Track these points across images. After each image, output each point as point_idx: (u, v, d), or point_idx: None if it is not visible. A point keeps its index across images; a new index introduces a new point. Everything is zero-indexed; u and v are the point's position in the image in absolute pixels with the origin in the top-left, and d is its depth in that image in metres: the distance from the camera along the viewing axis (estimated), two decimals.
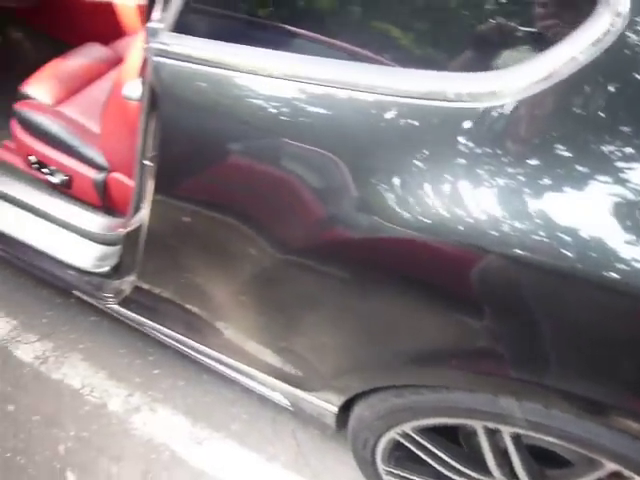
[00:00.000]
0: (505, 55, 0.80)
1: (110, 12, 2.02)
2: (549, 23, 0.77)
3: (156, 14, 1.05)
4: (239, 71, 0.80)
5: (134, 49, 1.25)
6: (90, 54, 1.83)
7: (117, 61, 1.83)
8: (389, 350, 1.03)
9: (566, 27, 0.73)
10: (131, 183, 1.48)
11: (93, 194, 1.58)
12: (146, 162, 1.08)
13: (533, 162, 0.73)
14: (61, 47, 2.20)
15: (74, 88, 1.73)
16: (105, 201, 1.58)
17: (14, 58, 2.30)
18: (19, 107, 1.67)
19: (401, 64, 0.81)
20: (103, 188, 1.55)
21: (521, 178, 0.73)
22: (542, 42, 0.75)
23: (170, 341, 1.50)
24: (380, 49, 0.80)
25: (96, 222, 1.50)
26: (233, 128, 0.87)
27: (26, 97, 1.70)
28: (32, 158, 1.67)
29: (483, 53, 0.81)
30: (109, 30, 2.03)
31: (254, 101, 0.82)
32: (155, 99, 0.98)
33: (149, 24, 0.91)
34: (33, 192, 1.65)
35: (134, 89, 1.20)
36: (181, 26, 0.84)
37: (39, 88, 1.70)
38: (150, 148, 1.09)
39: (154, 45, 0.85)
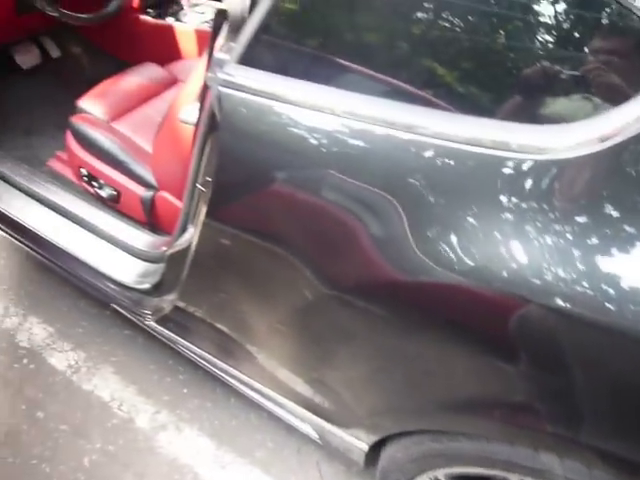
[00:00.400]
0: (559, 104, 0.80)
1: (168, 34, 2.08)
2: (607, 78, 0.76)
3: (222, 44, 1.08)
4: (302, 107, 0.81)
5: (194, 74, 1.27)
6: (146, 74, 1.88)
7: (172, 82, 1.88)
8: (425, 394, 1.02)
9: (624, 82, 0.72)
10: (178, 203, 1.51)
11: (139, 211, 1.61)
12: (199, 186, 1.10)
13: (582, 219, 0.73)
14: (118, 63, 2.27)
15: (129, 106, 1.77)
16: (150, 218, 1.60)
17: (72, 72, 2.38)
18: (75, 120, 1.71)
19: (457, 107, 0.81)
20: (150, 206, 1.57)
21: (569, 233, 0.73)
22: (597, 93, 0.75)
23: (201, 361, 1.50)
24: (444, 93, 0.81)
25: (141, 239, 1.53)
26: (291, 162, 0.88)
27: (82, 111, 1.75)
28: (83, 171, 1.71)
29: (536, 99, 0.81)
30: (166, 51, 2.09)
31: (315, 137, 0.83)
32: (214, 127, 1.00)
33: (216, 54, 0.94)
34: (81, 204, 1.69)
35: (191, 114, 1.23)
36: (247, 58, 0.86)
37: (95, 104, 1.75)
38: (203, 173, 1.10)
39: (219, 75, 0.86)
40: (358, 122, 0.79)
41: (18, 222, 1.70)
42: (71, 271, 1.64)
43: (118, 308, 1.64)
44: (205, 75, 0.94)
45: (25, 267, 2.04)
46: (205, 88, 1.18)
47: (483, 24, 0.79)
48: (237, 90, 0.86)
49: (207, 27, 2.04)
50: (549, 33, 0.75)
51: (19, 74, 2.27)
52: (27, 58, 2.29)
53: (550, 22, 0.75)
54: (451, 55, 0.82)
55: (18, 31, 2.15)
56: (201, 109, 1.19)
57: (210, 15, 2.09)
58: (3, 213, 1.72)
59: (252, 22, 0.86)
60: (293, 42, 0.88)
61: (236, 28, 1.09)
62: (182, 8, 2.11)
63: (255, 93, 0.85)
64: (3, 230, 1.78)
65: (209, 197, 0.99)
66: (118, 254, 1.56)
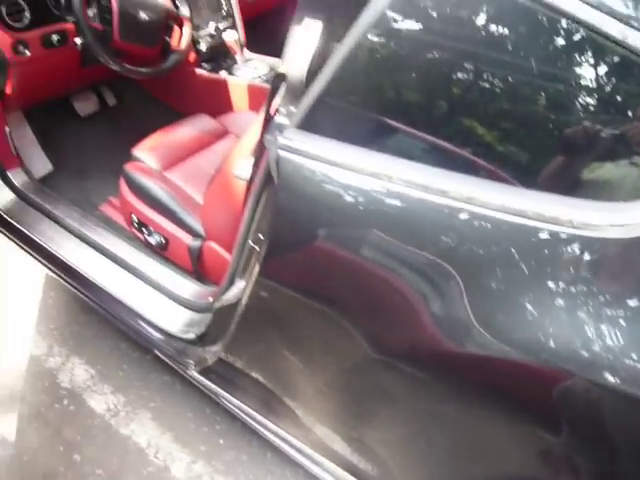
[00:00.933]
0: (605, 169, 0.80)
1: (221, 87, 2.16)
2: None
3: (281, 106, 1.11)
4: (361, 173, 0.83)
5: (249, 132, 1.31)
6: (199, 125, 1.94)
7: (223, 133, 1.94)
8: (465, 464, 0.99)
9: None
10: (225, 254, 1.54)
11: (187, 259, 1.64)
12: (250, 243, 1.11)
13: (633, 303, 0.73)
14: (171, 112, 2.36)
15: (181, 156, 1.82)
16: (197, 267, 1.63)
17: (127, 119, 2.47)
18: (129, 168, 1.77)
19: (513, 176, 0.81)
20: (197, 255, 1.60)
21: (619, 312, 0.73)
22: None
23: (240, 413, 1.49)
24: (501, 160, 0.81)
25: (187, 287, 1.55)
26: (346, 227, 0.89)
27: (136, 159, 1.81)
28: (134, 217, 1.76)
29: (583, 164, 0.81)
30: (218, 103, 2.17)
31: (372, 204, 0.84)
32: (270, 187, 1.03)
33: (276, 119, 0.97)
34: (130, 249, 1.73)
35: (245, 170, 1.26)
36: (307, 124, 0.89)
37: (149, 153, 1.81)
38: (255, 230, 1.12)
39: (279, 139, 0.89)
40: (416, 191, 0.80)
41: (68, 264, 1.75)
42: (116, 314, 1.67)
43: (159, 354, 1.65)
44: (264, 137, 0.96)
45: (72, 308, 2.09)
46: (261, 147, 1.21)
47: (536, 90, 0.80)
48: (295, 154, 0.88)
49: (259, 82, 2.11)
50: (593, 96, 0.76)
51: (77, 121, 2.38)
52: (86, 106, 2.40)
53: (595, 85, 0.75)
54: (514, 125, 0.83)
55: (80, 82, 2.26)
56: (255, 166, 1.22)
57: (262, 71, 2.16)
58: (54, 254, 1.77)
59: (313, 90, 0.88)
60: (352, 110, 0.90)
61: (293, 91, 1.13)
62: (236, 63, 2.19)
63: (313, 158, 0.86)
64: (53, 271, 1.83)
65: (263, 255, 1.00)
66: (163, 301, 1.58)
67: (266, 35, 2.45)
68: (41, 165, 2.20)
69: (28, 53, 1.81)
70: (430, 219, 0.81)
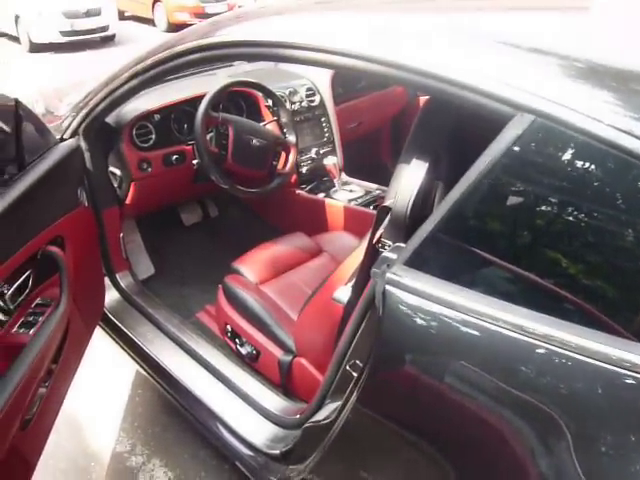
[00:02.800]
0: None
1: (319, 208, 2.29)
2: None
3: (386, 239, 1.18)
4: (470, 316, 0.86)
5: (350, 259, 1.38)
6: (295, 242, 2.05)
7: (317, 252, 2.03)
8: None
9: None
10: (315, 372, 1.57)
11: (276, 373, 1.68)
12: (348, 369, 1.15)
13: None
14: (268, 227, 2.51)
15: (277, 271, 1.92)
16: (286, 382, 1.67)
17: (227, 231, 2.64)
18: (228, 280, 1.88)
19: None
20: (287, 370, 1.64)
21: None
22: None
23: None
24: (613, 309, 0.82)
25: (275, 402, 1.58)
26: (451, 365, 0.91)
27: (236, 272, 1.92)
28: (228, 327, 1.84)
29: None
30: (314, 222, 2.29)
31: (483, 348, 0.86)
32: (371, 314, 1.07)
33: (385, 253, 1.03)
34: (221, 358, 1.79)
35: (344, 294, 1.32)
36: (415, 261, 0.94)
37: (248, 266, 1.92)
38: (351, 355, 1.16)
39: (387, 275, 0.94)
40: (527, 338, 0.81)
41: (161, 365, 1.83)
42: (200, 419, 1.71)
43: (239, 465, 1.66)
44: (371, 270, 1.02)
45: (156, 407, 2.16)
46: (364, 276, 1.27)
47: None
48: (403, 290, 0.92)
49: (354, 205, 2.22)
50: None
51: (181, 229, 2.56)
52: (191, 216, 2.60)
53: None
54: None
55: (190, 195, 2.47)
56: (355, 293, 1.28)
57: (358, 194, 2.29)
58: (149, 355, 1.86)
59: (423, 229, 0.94)
60: (462, 250, 0.95)
61: (397, 225, 1.20)
62: (333, 185, 2.34)
63: (421, 295, 0.90)
64: (146, 370, 1.92)
65: (363, 383, 1.03)
66: (249, 413, 1.61)
67: (362, 159, 2.62)
68: (145, 268, 2.36)
69: (150, 170, 2.02)
70: (546, 368, 0.81)
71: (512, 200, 0.90)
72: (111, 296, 2.06)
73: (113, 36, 9.69)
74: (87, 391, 2.16)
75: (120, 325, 1.98)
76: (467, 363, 0.89)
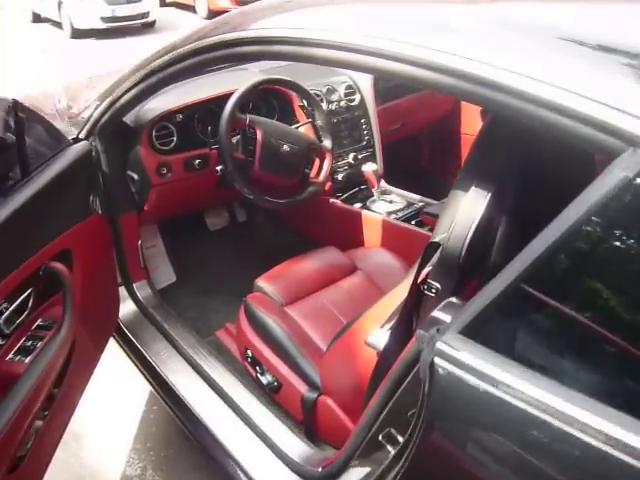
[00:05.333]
0: None
1: (354, 220, 2.09)
2: None
3: (434, 281, 0.99)
4: (550, 414, 0.65)
5: (388, 297, 1.19)
6: (326, 258, 1.86)
7: (350, 270, 1.84)
8: None
9: None
10: (341, 414, 1.39)
11: (298, 409, 1.50)
12: (381, 438, 0.96)
13: None
14: (298, 236, 2.32)
15: (305, 291, 1.74)
16: (308, 420, 1.48)
17: (254, 237, 2.47)
18: (250, 300, 1.70)
19: None
20: (310, 407, 1.46)
21: None
22: None
23: None
24: None
25: (295, 447, 1.39)
26: (506, 455, 0.72)
27: (259, 290, 1.74)
28: (249, 352, 1.66)
29: None
30: (348, 235, 2.09)
31: (569, 458, 0.65)
32: (410, 380, 0.88)
33: (435, 313, 0.83)
34: (239, 387, 1.62)
35: (379, 340, 1.13)
36: (474, 331, 0.74)
37: (273, 285, 1.74)
38: (385, 422, 0.97)
39: (437, 344, 0.74)
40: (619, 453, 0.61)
41: (174, 389, 1.67)
42: (212, 452, 1.54)
43: None
44: (417, 333, 0.82)
45: (170, 427, 2.00)
46: (403, 321, 1.08)
47: None
48: (457, 367, 0.72)
49: (394, 218, 2.00)
50: None
51: (206, 234, 2.40)
52: (216, 221, 2.43)
53: None
54: None
55: (215, 201, 2.30)
56: (393, 340, 1.09)
57: (398, 205, 2.07)
58: (162, 376, 1.71)
59: (491, 288, 0.73)
60: (542, 321, 0.74)
61: (448, 266, 1.00)
62: (372, 195, 2.12)
63: (482, 378, 0.70)
64: (158, 392, 1.77)
65: (403, 462, 0.84)
66: (266, 454, 1.44)
67: (402, 165, 2.40)
68: (166, 275, 2.22)
69: (169, 175, 1.84)
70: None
71: (618, 262, 0.68)
72: (127, 307, 1.92)
73: (153, 22, 9.60)
74: (97, 404, 2.02)
75: (134, 340, 1.84)
76: (541, 464, 0.69)
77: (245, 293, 1.81)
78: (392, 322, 1.12)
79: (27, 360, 1.24)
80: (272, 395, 1.60)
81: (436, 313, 0.83)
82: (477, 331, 0.74)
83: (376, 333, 1.13)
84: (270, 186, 1.86)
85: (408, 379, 0.90)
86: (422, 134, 2.83)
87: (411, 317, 1.09)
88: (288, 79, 1.88)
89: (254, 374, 1.66)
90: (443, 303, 0.85)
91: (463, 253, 0.96)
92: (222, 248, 2.39)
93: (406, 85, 2.51)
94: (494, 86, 0.75)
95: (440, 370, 0.74)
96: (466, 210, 0.97)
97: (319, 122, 1.96)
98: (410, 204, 2.07)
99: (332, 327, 1.62)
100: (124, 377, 2.12)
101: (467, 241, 0.96)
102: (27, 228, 1.25)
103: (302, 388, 1.50)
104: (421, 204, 2.06)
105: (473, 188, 0.97)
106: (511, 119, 0.80)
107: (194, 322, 2.01)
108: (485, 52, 0.78)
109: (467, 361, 0.72)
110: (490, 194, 0.95)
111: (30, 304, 1.31)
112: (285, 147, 1.80)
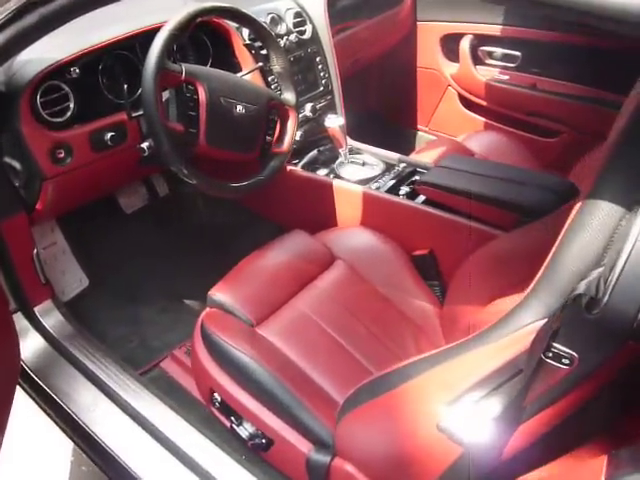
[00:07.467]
0: None
1: (323, 192, 1.60)
2: None
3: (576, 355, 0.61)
4: None
5: (476, 353, 0.77)
6: (295, 248, 1.42)
7: (329, 261, 1.41)
8: None
9: None
10: None
11: (302, 474, 1.09)
12: None
13: None
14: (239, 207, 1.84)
15: (278, 300, 1.30)
16: None
17: (182, 212, 1.97)
18: (207, 321, 1.25)
19: None
20: (321, 475, 1.06)
21: None
22: None
23: None
24: None
25: None
26: None
27: (216, 306, 1.29)
28: (216, 396, 1.22)
29: None
30: (316, 214, 1.62)
31: None
32: None
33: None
34: (206, 443, 1.20)
35: (459, 429, 0.73)
36: None
37: (234, 297, 1.29)
38: None
39: None
40: None
41: (105, 448, 1.24)
42: None
43: None
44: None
45: None
46: (510, 414, 0.69)
47: None
48: None
49: (376, 189, 1.54)
50: None
51: (121, 219, 1.86)
52: (132, 201, 1.88)
53: None
54: None
55: (132, 178, 1.75)
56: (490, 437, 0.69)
57: (376, 170, 1.60)
58: (87, 432, 1.27)
59: None
60: None
61: (604, 331, 0.62)
62: (338, 156, 1.63)
63: None
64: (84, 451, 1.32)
65: None
66: None
67: (353, 110, 1.91)
68: (76, 280, 1.70)
69: (70, 161, 1.28)
70: None
71: None
72: (30, 342, 1.42)
73: None
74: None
75: (44, 386, 1.35)
76: None
77: (184, 291, 1.42)
78: (475, 398, 0.73)
79: None
80: (261, 454, 1.19)
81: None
82: None
83: (453, 417, 0.74)
84: (220, 165, 1.35)
85: None
86: (370, 69, 2.33)
87: (522, 400, 0.70)
88: (233, 6, 1.31)
89: (227, 423, 1.22)
90: None
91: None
92: (144, 233, 1.86)
93: (359, 10, 2.04)
94: None
95: None
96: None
97: (277, 67, 1.42)
98: (390, 166, 1.61)
99: (327, 352, 1.23)
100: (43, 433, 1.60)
101: None
102: None
103: (304, 447, 1.09)
104: (403, 165, 1.61)
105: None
106: None
107: (123, 345, 1.53)
108: None
109: None
110: None
111: None
112: (239, 108, 1.27)
